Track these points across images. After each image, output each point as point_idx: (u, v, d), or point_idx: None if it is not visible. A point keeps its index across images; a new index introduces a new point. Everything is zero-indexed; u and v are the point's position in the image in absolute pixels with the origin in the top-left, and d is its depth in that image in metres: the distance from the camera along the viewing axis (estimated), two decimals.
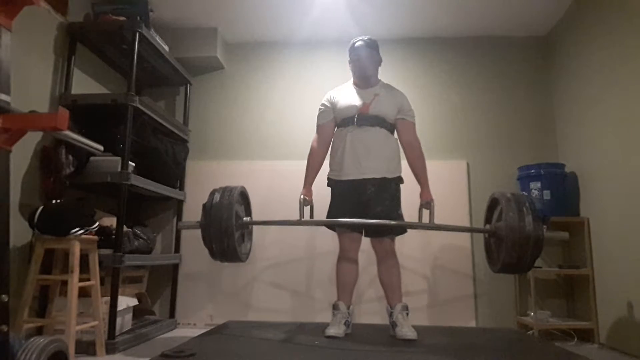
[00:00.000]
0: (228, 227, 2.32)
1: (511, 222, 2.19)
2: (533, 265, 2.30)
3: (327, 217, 2.61)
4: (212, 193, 2.44)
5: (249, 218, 2.62)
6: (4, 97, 1.30)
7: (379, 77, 2.72)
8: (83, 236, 2.38)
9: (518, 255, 2.20)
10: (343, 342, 2.35)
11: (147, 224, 3.38)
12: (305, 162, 2.71)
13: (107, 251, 2.63)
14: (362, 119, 2.56)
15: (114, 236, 2.67)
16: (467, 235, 3.49)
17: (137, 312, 3.12)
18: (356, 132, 2.55)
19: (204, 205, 2.41)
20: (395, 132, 2.67)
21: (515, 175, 3.45)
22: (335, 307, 2.55)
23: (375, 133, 2.55)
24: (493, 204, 2.45)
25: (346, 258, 2.59)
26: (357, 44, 2.64)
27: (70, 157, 2.63)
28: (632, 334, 2.62)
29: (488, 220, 2.50)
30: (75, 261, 2.30)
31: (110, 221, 2.74)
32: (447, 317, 3.33)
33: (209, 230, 2.36)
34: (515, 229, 2.18)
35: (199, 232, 2.43)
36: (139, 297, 3.14)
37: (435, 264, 3.44)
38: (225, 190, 2.43)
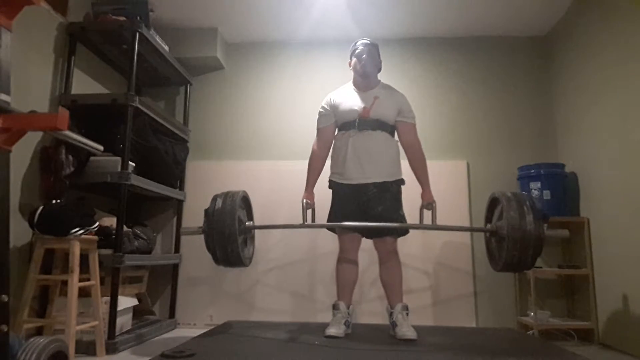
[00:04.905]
0: (231, 233, 2.31)
1: (512, 221, 2.19)
2: (534, 264, 2.30)
3: (329, 218, 2.61)
4: (214, 199, 2.42)
5: (251, 222, 2.61)
6: (4, 97, 1.30)
7: (379, 78, 2.72)
8: (83, 236, 2.38)
9: (519, 254, 2.20)
10: (343, 341, 2.35)
11: (147, 224, 3.38)
12: (305, 162, 2.71)
13: (107, 251, 2.63)
14: (363, 123, 2.55)
15: (114, 236, 2.66)
16: (467, 232, 3.49)
17: (137, 312, 3.12)
18: (358, 136, 2.55)
19: (206, 211, 2.39)
20: (396, 134, 2.67)
21: (515, 175, 3.45)
22: (335, 307, 2.55)
23: (377, 137, 2.55)
24: (493, 203, 2.45)
25: (346, 258, 2.59)
26: (361, 41, 2.67)
27: (70, 157, 2.63)
28: (631, 334, 2.62)
29: (488, 219, 2.50)
30: (75, 261, 2.30)
31: (110, 221, 2.74)
32: (447, 317, 3.33)
33: (211, 236, 2.34)
34: (517, 228, 2.18)
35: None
36: (139, 297, 3.14)
37: (436, 261, 3.44)
38: (227, 196, 2.42)
